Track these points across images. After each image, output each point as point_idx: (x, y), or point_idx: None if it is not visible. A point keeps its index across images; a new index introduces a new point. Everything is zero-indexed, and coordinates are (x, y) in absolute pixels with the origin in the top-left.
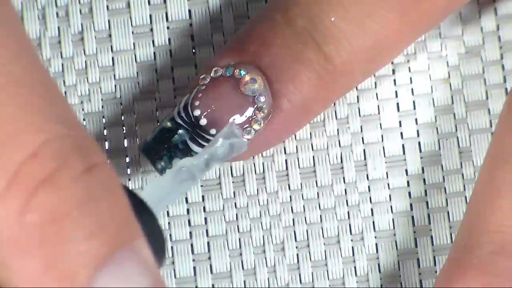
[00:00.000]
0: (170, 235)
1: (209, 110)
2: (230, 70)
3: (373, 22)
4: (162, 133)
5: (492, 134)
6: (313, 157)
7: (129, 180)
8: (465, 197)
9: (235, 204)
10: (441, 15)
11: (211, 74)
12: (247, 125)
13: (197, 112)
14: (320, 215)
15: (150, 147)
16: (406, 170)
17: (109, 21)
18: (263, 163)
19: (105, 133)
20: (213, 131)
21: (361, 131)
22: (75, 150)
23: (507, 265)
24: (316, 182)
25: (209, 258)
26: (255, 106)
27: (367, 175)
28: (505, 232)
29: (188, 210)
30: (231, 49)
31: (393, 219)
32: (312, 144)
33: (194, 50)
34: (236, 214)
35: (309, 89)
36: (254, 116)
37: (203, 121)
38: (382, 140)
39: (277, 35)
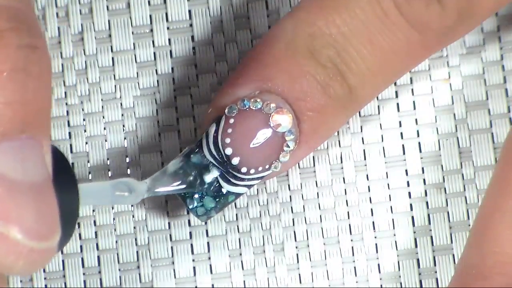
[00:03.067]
0: (170, 235)
1: (241, 149)
2: (259, 103)
3: (398, 57)
4: (192, 170)
5: (491, 138)
6: (313, 157)
7: None
8: (465, 197)
9: (235, 204)
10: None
11: (238, 106)
12: (276, 160)
13: (228, 151)
14: (320, 215)
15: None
16: (406, 170)
17: (109, 21)
18: None
19: (105, 133)
20: (244, 170)
21: (361, 131)
22: (27, 24)
23: None
24: (316, 182)
25: (209, 258)
26: (284, 142)
27: (367, 175)
28: None
29: (188, 210)
30: (255, 77)
31: (393, 219)
32: None
33: (194, 50)
34: (236, 214)
35: (334, 120)
36: (282, 151)
37: (236, 160)
38: (382, 140)
39: (304, 67)
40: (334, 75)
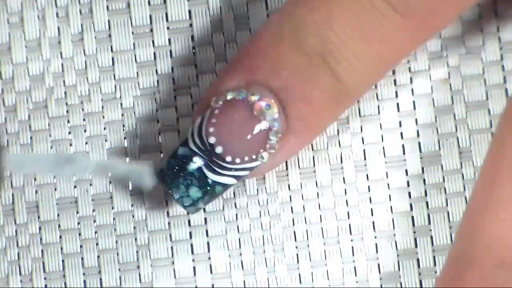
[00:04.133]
0: (170, 235)
1: (224, 137)
2: (243, 93)
3: (383, 43)
4: (177, 160)
5: (492, 138)
6: (313, 157)
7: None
8: (465, 197)
9: (235, 204)
10: (445, 27)
11: (224, 97)
12: (262, 150)
13: (212, 140)
14: (320, 215)
15: (165, 174)
16: (406, 170)
17: (109, 21)
18: None
19: (105, 133)
20: (228, 158)
21: (361, 131)
22: None
23: (510, 280)
24: (316, 182)
25: (209, 258)
26: (269, 131)
27: (367, 175)
28: (508, 246)
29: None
30: (241, 69)
31: (393, 219)
32: (312, 144)
33: (194, 50)
34: (236, 214)
35: (321, 110)
36: (269, 140)
37: (219, 149)
38: (382, 140)
39: (288, 56)
40: (319, 64)
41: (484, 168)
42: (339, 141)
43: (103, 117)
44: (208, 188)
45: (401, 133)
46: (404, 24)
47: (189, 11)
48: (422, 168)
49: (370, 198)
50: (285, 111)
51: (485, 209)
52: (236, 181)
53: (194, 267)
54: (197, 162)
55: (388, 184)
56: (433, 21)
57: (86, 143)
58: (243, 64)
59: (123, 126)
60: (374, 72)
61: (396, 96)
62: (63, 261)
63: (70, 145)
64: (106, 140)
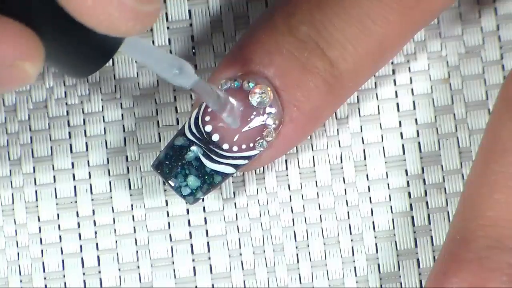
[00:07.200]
0: (170, 235)
1: (220, 125)
2: (238, 82)
3: (375, 25)
4: (175, 151)
5: (485, 127)
6: (313, 157)
7: (129, 180)
8: None
9: (235, 204)
10: (439, 11)
11: (219, 87)
12: (259, 137)
13: (208, 128)
14: (320, 215)
15: (163, 165)
16: (406, 170)
17: None
18: None
19: (105, 133)
20: (225, 146)
21: (361, 131)
22: None
23: (503, 259)
24: (316, 182)
25: (209, 258)
26: (266, 118)
27: (367, 175)
28: (502, 226)
29: (188, 210)
30: (236, 60)
31: (393, 219)
32: (312, 144)
33: (194, 50)
34: (236, 214)
35: (317, 96)
36: (266, 128)
37: (216, 137)
38: (382, 140)
39: (281, 43)
40: (312, 49)
41: (480, 149)
42: (339, 141)
43: (103, 117)
44: (207, 177)
45: (401, 133)
46: (394, 4)
47: (189, 11)
48: (422, 168)
49: (370, 198)
50: (280, 98)
51: (480, 190)
52: (235, 170)
53: (194, 267)
54: (194, 151)
55: (388, 184)
56: (421, 3)
57: (86, 143)
58: (238, 55)
59: (123, 126)
60: (368, 56)
61: (396, 96)
62: (63, 261)
63: (70, 145)
64: (106, 140)
